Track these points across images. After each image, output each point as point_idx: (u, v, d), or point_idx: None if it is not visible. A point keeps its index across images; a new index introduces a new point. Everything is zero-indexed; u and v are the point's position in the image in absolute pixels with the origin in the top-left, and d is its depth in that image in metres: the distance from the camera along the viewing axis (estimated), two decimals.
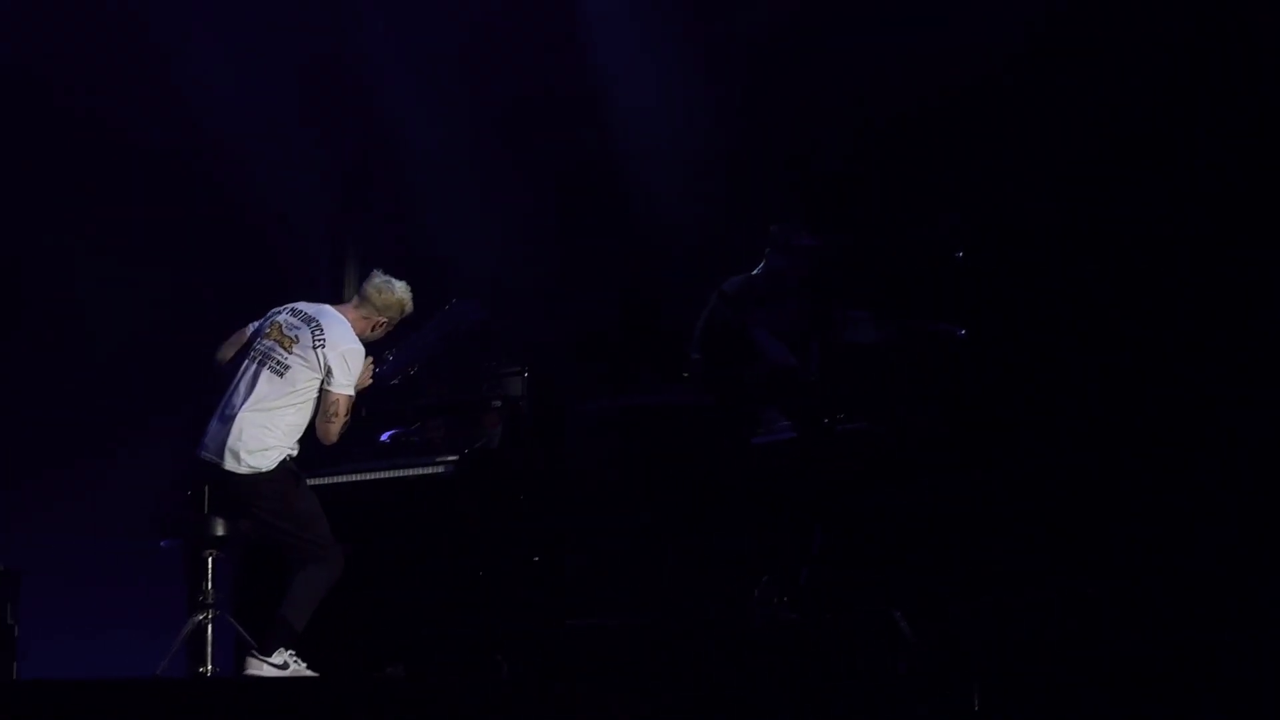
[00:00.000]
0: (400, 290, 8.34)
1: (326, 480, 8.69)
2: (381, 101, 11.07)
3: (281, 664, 7.95)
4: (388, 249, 10.87)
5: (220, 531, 8.14)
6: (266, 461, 8.05)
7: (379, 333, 8.38)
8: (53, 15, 10.70)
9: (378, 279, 8.34)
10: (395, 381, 9.04)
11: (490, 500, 8.71)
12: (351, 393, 8.13)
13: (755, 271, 9.34)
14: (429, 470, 8.61)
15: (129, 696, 6.83)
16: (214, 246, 11.08)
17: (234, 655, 8.46)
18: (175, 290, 10.95)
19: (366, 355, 8.26)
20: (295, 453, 8.15)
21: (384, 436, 9.05)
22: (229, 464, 8.03)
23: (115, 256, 10.97)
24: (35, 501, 10.50)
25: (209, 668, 8.10)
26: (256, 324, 8.29)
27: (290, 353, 8.11)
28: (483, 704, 7.20)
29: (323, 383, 8.10)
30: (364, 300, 8.34)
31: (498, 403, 8.87)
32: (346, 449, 8.69)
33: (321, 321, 8.19)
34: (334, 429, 8.12)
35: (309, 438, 8.16)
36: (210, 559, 8.18)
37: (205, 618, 8.14)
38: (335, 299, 9.32)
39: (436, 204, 11.01)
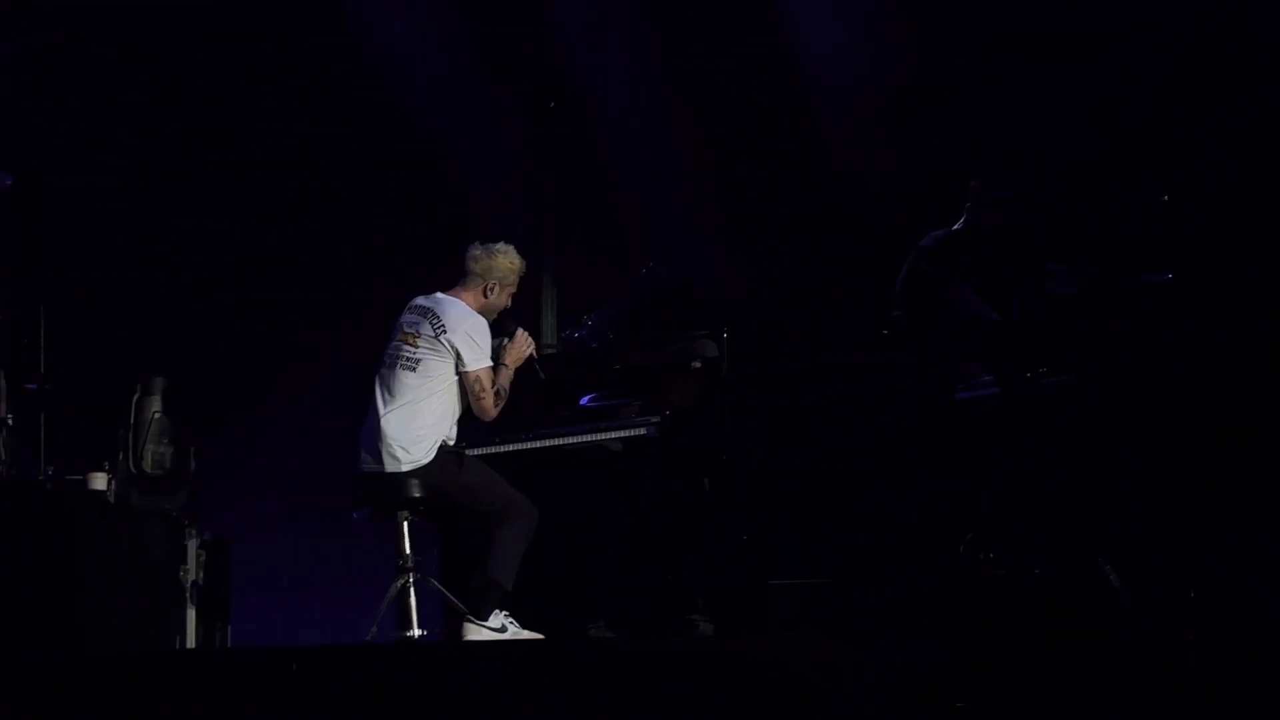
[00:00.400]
0: (499, 250, 8.44)
1: (526, 446, 8.70)
2: (572, 59, 11.02)
3: (499, 627, 8.06)
4: (580, 213, 10.85)
5: (415, 493, 8.18)
6: (423, 452, 8.18)
7: (499, 298, 8.43)
8: None
9: (474, 249, 8.45)
10: (594, 345, 9.10)
11: (691, 461, 8.68)
12: (488, 364, 8.23)
13: (955, 226, 9.25)
14: (630, 433, 8.58)
15: (344, 661, 6.90)
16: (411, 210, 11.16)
17: (443, 619, 8.51)
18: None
19: (522, 330, 8.43)
20: (452, 439, 8.26)
21: (583, 400, 9.05)
22: (389, 466, 8.18)
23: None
24: (243, 468, 10.66)
25: (415, 631, 8.17)
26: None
27: (417, 347, 8.25)
28: (686, 662, 7.15)
29: (456, 366, 8.19)
30: (469, 275, 8.44)
31: (697, 364, 8.83)
32: (552, 413, 8.69)
33: (436, 309, 8.33)
34: (486, 405, 8.21)
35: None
36: (405, 523, 8.24)
37: (406, 582, 8.21)
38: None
39: (627, 166, 10.95)
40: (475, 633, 8.03)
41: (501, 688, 6.68)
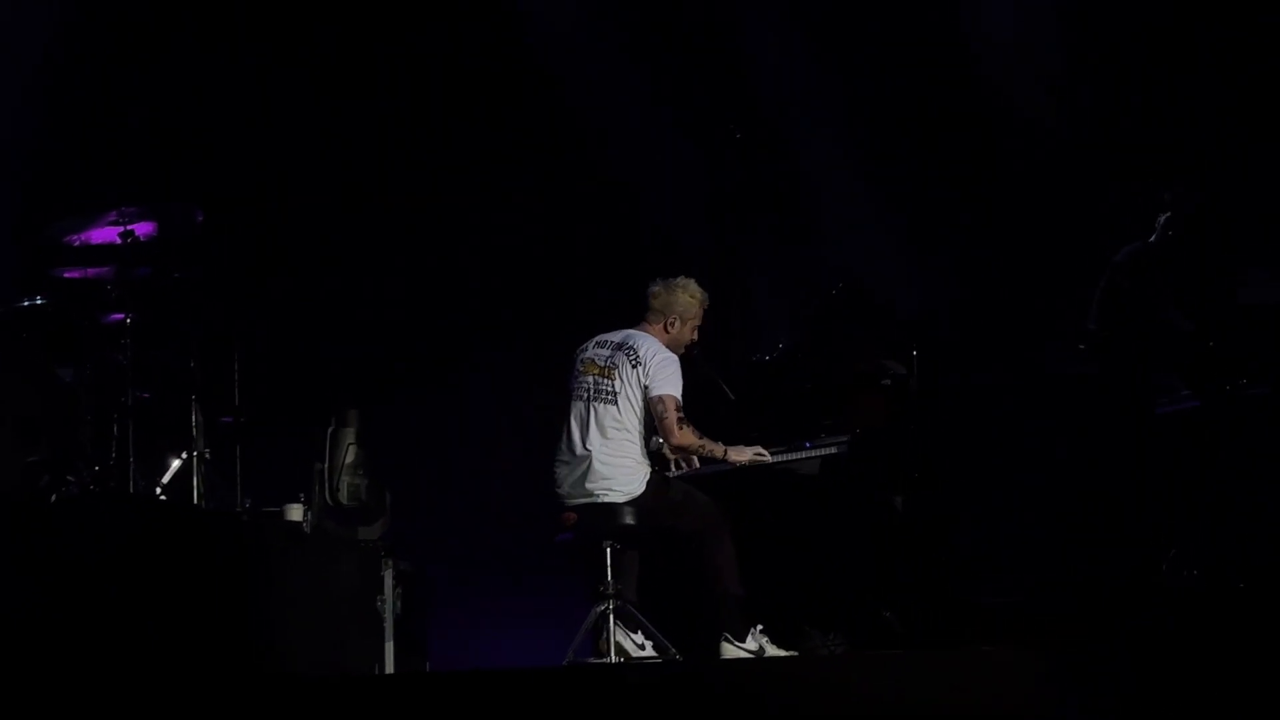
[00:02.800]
0: (680, 285, 8.51)
1: (720, 468, 8.69)
2: (755, 77, 10.99)
3: (758, 649, 8.14)
4: (768, 235, 10.81)
5: (629, 520, 8.21)
6: (636, 484, 8.26)
7: (683, 332, 8.50)
8: None
9: (654, 285, 8.53)
10: (783, 365, 9.09)
11: (883, 480, 8.62)
12: (672, 391, 8.25)
13: (1151, 239, 9.12)
14: (820, 453, 8.55)
15: (551, 684, 6.89)
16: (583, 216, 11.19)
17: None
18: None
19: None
20: (650, 465, 8.33)
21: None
22: (603, 498, 8.25)
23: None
24: (438, 500, 10.72)
25: (613, 658, 8.16)
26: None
27: (615, 380, 8.31)
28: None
29: (645, 393, 8.23)
30: (650, 311, 8.52)
31: (886, 381, 8.78)
32: (742, 435, 8.67)
33: (630, 343, 8.40)
34: (670, 426, 8.26)
35: None
36: (609, 549, 8.24)
37: (606, 608, 8.20)
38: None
39: (811, 185, 10.90)
40: (733, 652, 8.10)
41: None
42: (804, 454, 8.56)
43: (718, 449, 8.38)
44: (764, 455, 8.48)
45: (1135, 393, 8.83)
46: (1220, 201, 9.17)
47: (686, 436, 8.30)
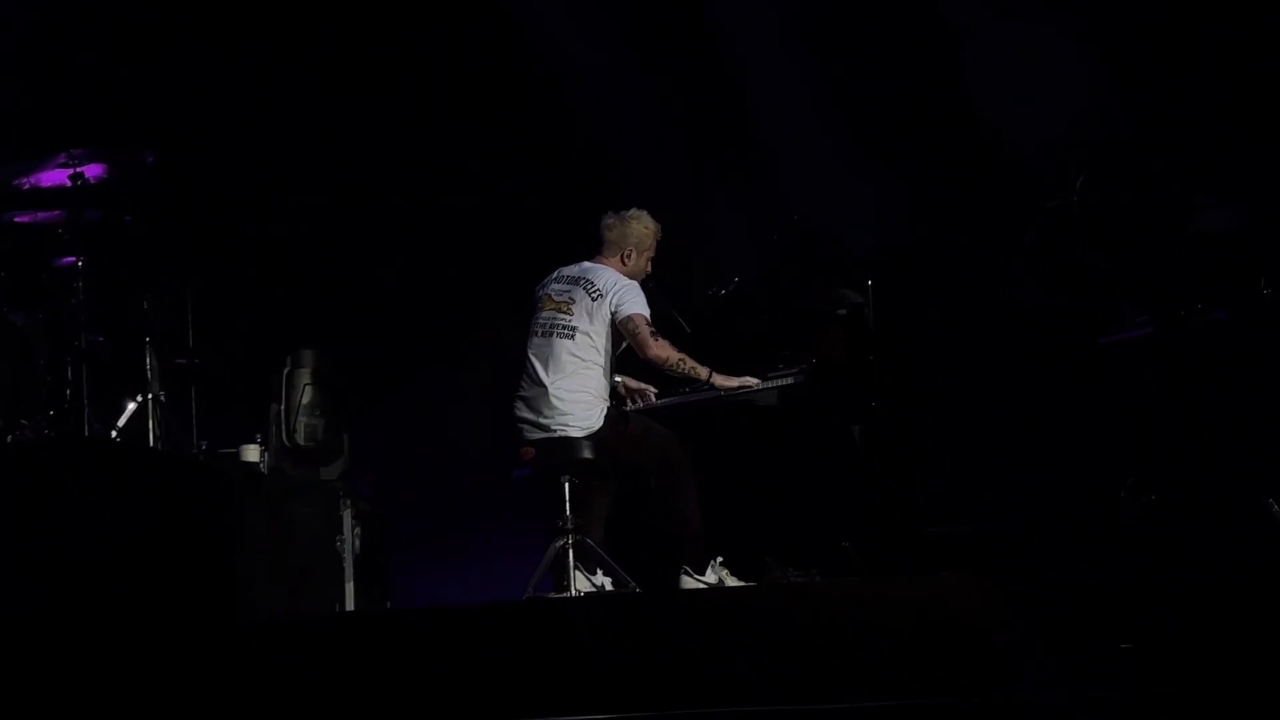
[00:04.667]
0: (633, 216, 8.50)
1: (676, 401, 8.67)
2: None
3: (717, 581, 8.17)
4: (724, 170, 10.75)
5: (586, 454, 8.20)
6: (595, 419, 8.23)
7: (638, 263, 8.49)
8: None
9: (608, 218, 8.51)
10: (739, 298, 9.08)
11: (840, 409, 8.65)
12: (640, 310, 8.24)
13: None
14: (777, 384, 8.53)
15: (510, 618, 6.89)
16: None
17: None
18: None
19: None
20: (609, 401, 8.32)
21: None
22: (560, 432, 8.22)
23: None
24: (394, 439, 10.68)
25: (575, 591, 8.16)
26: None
27: (572, 315, 8.29)
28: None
29: (613, 320, 8.22)
30: (605, 243, 8.50)
31: (843, 311, 8.78)
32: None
33: (587, 276, 8.38)
34: (645, 341, 8.22)
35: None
36: (567, 484, 8.24)
37: (565, 543, 8.21)
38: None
39: (769, 119, 10.81)
40: (692, 584, 8.11)
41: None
42: (761, 386, 8.54)
43: (701, 370, 8.32)
44: (752, 383, 8.46)
45: (1085, 319, 8.85)
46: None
47: (664, 348, 8.24)
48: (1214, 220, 8.75)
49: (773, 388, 8.47)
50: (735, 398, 8.47)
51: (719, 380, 8.36)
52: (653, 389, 8.63)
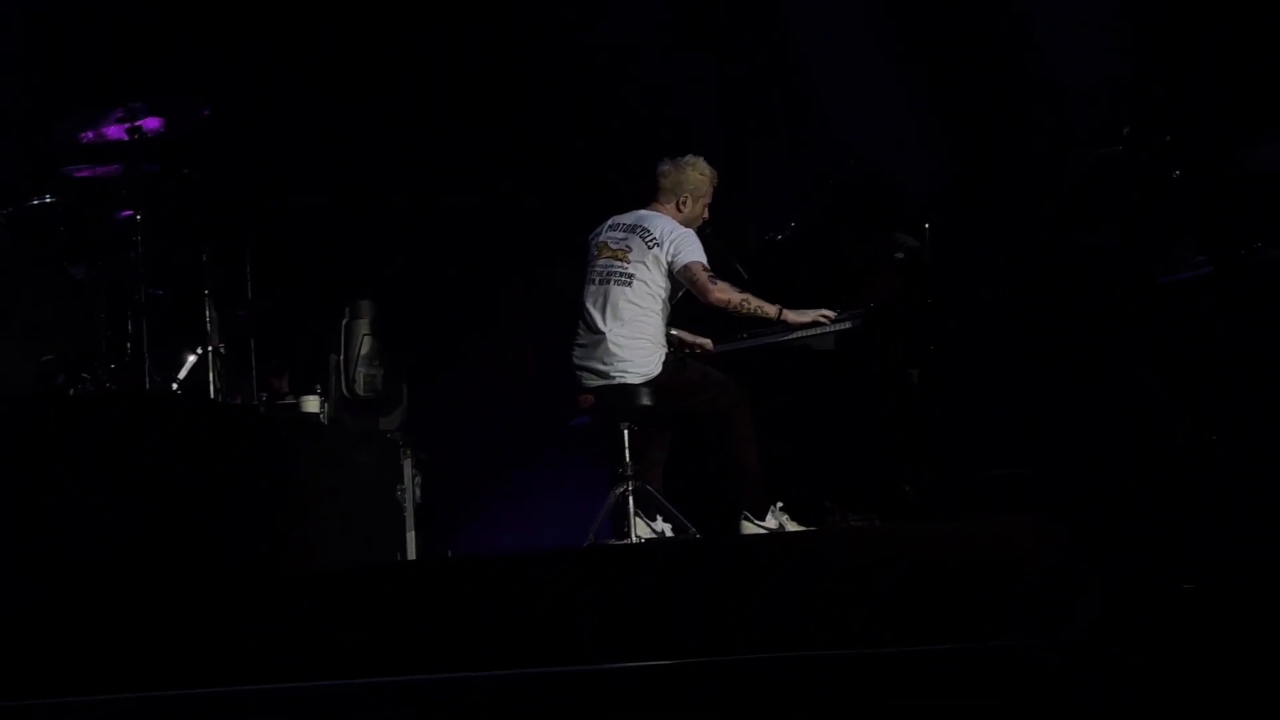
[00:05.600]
0: (689, 163, 8.51)
1: (733, 347, 8.69)
2: None
3: (777, 526, 8.18)
4: (777, 115, 10.70)
5: (645, 401, 8.22)
6: (654, 365, 8.27)
7: (694, 210, 8.51)
8: None
9: (663, 164, 8.53)
10: (795, 243, 9.07)
11: (897, 353, 8.63)
12: (697, 258, 8.24)
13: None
14: (834, 328, 8.52)
15: (572, 565, 6.91)
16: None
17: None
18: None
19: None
20: (667, 347, 8.33)
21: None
22: (619, 380, 8.25)
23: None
24: (455, 387, 10.71)
25: (635, 537, 8.20)
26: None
27: (629, 263, 8.29)
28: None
29: (670, 270, 8.18)
30: (661, 191, 8.52)
31: (900, 255, 8.76)
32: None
33: (643, 224, 8.40)
34: (704, 287, 8.23)
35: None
36: (626, 431, 8.26)
37: (625, 490, 8.23)
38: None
39: (822, 62, 10.74)
40: (753, 529, 8.14)
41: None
42: (817, 330, 8.53)
43: (770, 309, 8.30)
44: (827, 318, 8.42)
45: (1140, 261, 8.79)
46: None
47: (725, 290, 8.25)
48: (1276, 155, 8.68)
49: (830, 331, 8.46)
50: (794, 344, 8.47)
51: (790, 316, 8.33)
52: (709, 341, 8.63)
